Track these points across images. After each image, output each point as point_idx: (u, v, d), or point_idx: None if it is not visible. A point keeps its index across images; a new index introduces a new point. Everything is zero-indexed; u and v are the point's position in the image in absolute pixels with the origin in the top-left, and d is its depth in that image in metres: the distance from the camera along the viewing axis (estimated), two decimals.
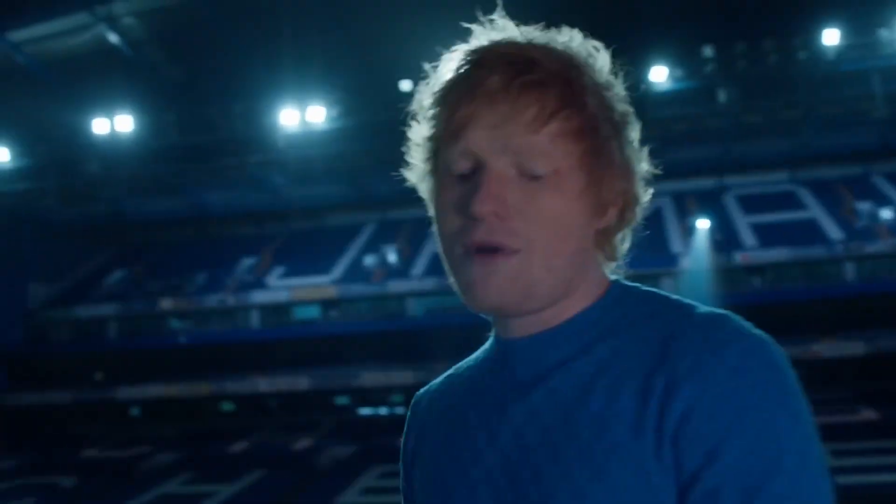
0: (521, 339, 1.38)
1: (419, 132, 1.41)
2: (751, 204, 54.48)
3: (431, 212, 1.55)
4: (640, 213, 1.54)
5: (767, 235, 49.84)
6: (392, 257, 55.53)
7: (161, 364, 52.35)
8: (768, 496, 1.14)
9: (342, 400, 53.29)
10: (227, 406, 54.07)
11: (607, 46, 1.37)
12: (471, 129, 1.23)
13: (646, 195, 1.55)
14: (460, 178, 1.30)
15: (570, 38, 1.27)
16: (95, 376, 54.68)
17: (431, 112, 1.35)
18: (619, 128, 1.36)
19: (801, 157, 55.12)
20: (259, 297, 53.08)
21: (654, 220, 53.47)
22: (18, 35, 46.62)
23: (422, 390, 1.66)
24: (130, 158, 51.04)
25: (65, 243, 57.58)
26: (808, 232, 49.86)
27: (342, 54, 46.80)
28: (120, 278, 59.01)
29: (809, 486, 1.23)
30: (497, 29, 1.27)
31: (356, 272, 54.34)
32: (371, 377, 50.13)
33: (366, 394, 52.19)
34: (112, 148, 50.50)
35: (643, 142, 1.56)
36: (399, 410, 52.69)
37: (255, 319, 53.12)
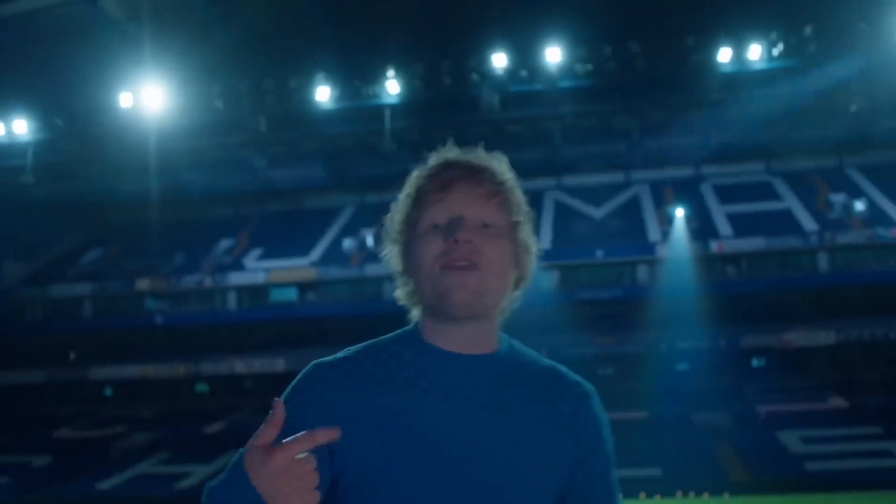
0: (452, 353, 1.87)
1: (403, 203, 1.95)
2: (727, 194, 55.04)
3: (399, 263, 1.95)
4: (525, 285, 1.99)
5: (743, 225, 50.35)
6: (370, 241, 55.63)
7: (137, 344, 52.27)
8: (613, 476, 1.91)
9: None
10: (202, 387, 54.02)
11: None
12: (450, 195, 1.84)
13: (532, 273, 1.98)
14: (435, 227, 1.83)
15: (499, 158, 1.97)
16: (70, 356, 54.60)
17: (419, 187, 1.92)
18: (525, 217, 1.93)
19: (778, 148, 55.75)
20: (236, 278, 53.00)
21: (633, 208, 54.19)
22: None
23: (325, 361, 1.95)
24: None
25: (41, 222, 57.13)
26: (784, 222, 50.44)
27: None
28: (96, 258, 58.76)
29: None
30: (451, 150, 1.97)
31: (334, 255, 54.44)
32: None
33: None
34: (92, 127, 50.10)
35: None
36: None
37: (232, 301, 53.04)
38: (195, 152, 52.36)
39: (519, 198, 1.92)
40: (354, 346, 1.98)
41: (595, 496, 1.83)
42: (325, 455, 1.69)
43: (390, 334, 2.04)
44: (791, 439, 39.25)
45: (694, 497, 32.46)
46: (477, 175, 1.87)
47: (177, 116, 47.29)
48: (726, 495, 32.87)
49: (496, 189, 1.87)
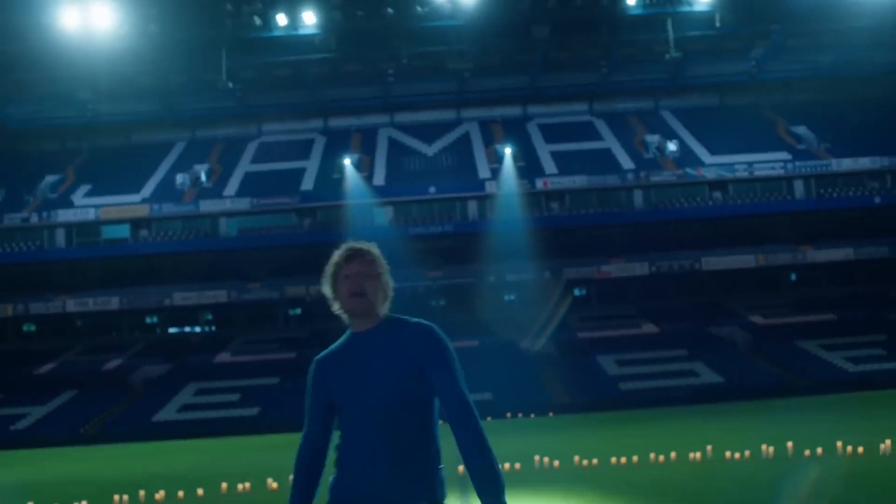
0: (362, 332, 3.43)
1: (329, 272, 3.49)
2: (552, 133, 57.62)
3: (331, 294, 3.50)
4: (389, 299, 3.52)
5: (566, 163, 52.97)
6: (203, 177, 55.13)
7: None
8: (460, 389, 3.27)
9: (152, 319, 53.12)
10: (30, 327, 52.56)
11: None
12: (351, 264, 3.40)
13: (391, 294, 3.52)
14: (346, 277, 3.40)
15: (374, 246, 3.52)
16: None
17: (337, 262, 3.46)
18: (385, 269, 3.50)
19: (600, 90, 58.79)
20: (65, 215, 51.38)
21: (463, 145, 55.91)
22: None
23: (321, 355, 3.55)
24: None
25: None
26: (604, 161, 53.39)
27: None
28: None
29: (464, 386, 3.30)
30: (358, 244, 3.49)
31: (167, 191, 53.51)
32: (183, 297, 50.23)
33: (177, 312, 52.25)
34: None
35: None
36: (210, 329, 53.31)
37: (61, 239, 51.52)
38: (19, 84, 50.14)
39: (382, 262, 3.52)
40: (332, 346, 3.57)
41: (440, 384, 3.30)
42: (327, 399, 3.47)
43: (343, 336, 3.58)
44: (608, 363, 42.57)
45: (522, 417, 34.96)
46: (363, 254, 3.47)
47: None
48: (550, 414, 35.62)
49: (371, 259, 3.47)
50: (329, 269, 3.48)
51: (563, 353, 44.88)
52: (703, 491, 9.94)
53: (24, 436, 37.87)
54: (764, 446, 13.62)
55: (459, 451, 3.16)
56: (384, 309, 3.45)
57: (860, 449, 12.75)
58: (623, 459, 13.74)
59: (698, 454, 13.55)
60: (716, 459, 13.24)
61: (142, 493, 12.51)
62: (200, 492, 12.61)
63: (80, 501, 12.34)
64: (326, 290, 3.48)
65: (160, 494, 12.34)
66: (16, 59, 47.62)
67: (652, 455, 14.08)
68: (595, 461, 13.89)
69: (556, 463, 14.04)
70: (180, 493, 12.48)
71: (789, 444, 13.66)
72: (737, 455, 13.38)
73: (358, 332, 3.43)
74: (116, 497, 12.51)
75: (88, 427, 39.31)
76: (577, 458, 14.40)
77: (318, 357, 3.52)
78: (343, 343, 3.46)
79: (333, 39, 46.99)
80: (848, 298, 48.32)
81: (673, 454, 13.99)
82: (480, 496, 3.12)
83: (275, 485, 13.22)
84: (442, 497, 3.28)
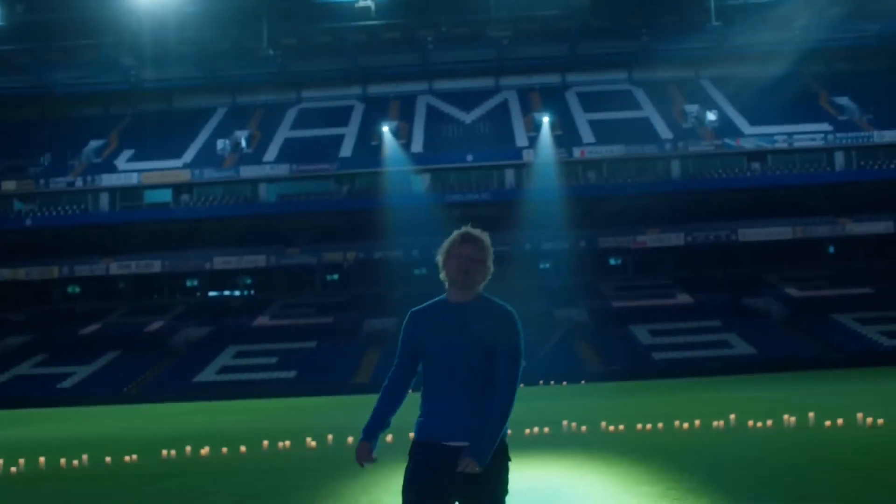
0: (458, 303, 4.05)
1: (444, 247, 4.11)
2: (591, 102, 57.52)
3: (441, 265, 4.12)
4: (488, 279, 4.13)
5: (604, 132, 52.91)
6: (244, 143, 55.84)
7: (6, 247, 51.44)
8: (509, 372, 4.00)
9: (193, 283, 54.17)
10: (74, 289, 53.82)
11: None
12: (463, 247, 4.04)
13: (489, 277, 4.12)
14: (457, 255, 4.03)
15: (486, 235, 4.13)
16: None
17: (453, 241, 4.08)
18: (490, 260, 4.09)
19: (640, 59, 58.49)
20: (108, 180, 52.40)
21: (501, 113, 56.00)
22: None
23: (417, 308, 4.17)
24: None
25: None
26: (642, 130, 53.27)
27: None
28: None
29: (517, 378, 4.02)
30: (474, 231, 4.11)
31: (208, 157, 54.35)
32: (223, 261, 51.15)
33: (217, 276, 53.23)
34: None
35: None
36: (249, 293, 54.27)
37: (104, 202, 52.61)
38: (65, 50, 51.04)
39: (489, 250, 4.12)
40: (427, 302, 4.20)
41: (499, 362, 3.99)
42: (415, 347, 4.09)
43: (437, 298, 4.21)
44: (642, 332, 42.85)
45: (554, 385, 35.43)
46: (475, 240, 4.07)
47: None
48: (583, 382, 36.04)
49: (481, 247, 4.07)
50: (445, 244, 4.15)
51: (597, 323, 45.23)
52: (719, 456, 10.31)
53: (70, 394, 39.06)
54: (786, 416, 13.94)
55: (491, 407, 3.99)
56: (480, 288, 4.13)
57: (880, 420, 13.02)
58: (648, 426, 14.09)
59: (721, 422, 13.89)
60: (738, 427, 13.54)
61: (188, 448, 13.16)
62: (243, 449, 13.20)
63: (130, 455, 13.03)
64: (439, 259, 4.16)
65: (205, 450, 12.96)
66: (61, 27, 48.44)
67: (676, 422, 14.42)
68: (622, 427, 14.30)
69: (584, 428, 14.48)
70: (224, 450, 13.09)
71: (811, 414, 13.96)
72: (759, 424, 13.67)
73: (453, 302, 4.11)
74: (164, 452, 13.18)
75: (131, 387, 40.45)
76: (603, 423, 14.83)
77: (414, 309, 4.23)
78: (438, 306, 4.15)
79: (373, 7, 47.06)
80: (886, 272, 48.04)
81: (697, 422, 14.34)
82: (481, 434, 3.88)
83: (313, 444, 13.76)
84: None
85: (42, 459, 12.30)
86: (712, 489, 7.85)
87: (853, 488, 7.68)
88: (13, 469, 11.92)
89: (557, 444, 12.54)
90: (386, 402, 4.17)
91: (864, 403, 16.14)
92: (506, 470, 3.94)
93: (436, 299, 4.18)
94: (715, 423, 13.99)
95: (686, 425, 14.15)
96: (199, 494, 9.18)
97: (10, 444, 16.94)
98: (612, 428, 14.35)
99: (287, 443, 14.02)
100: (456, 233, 4.15)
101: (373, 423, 4.11)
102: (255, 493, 9.08)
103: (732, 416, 14.32)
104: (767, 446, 11.18)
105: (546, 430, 14.21)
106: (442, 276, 4.13)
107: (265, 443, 14.05)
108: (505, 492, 3.93)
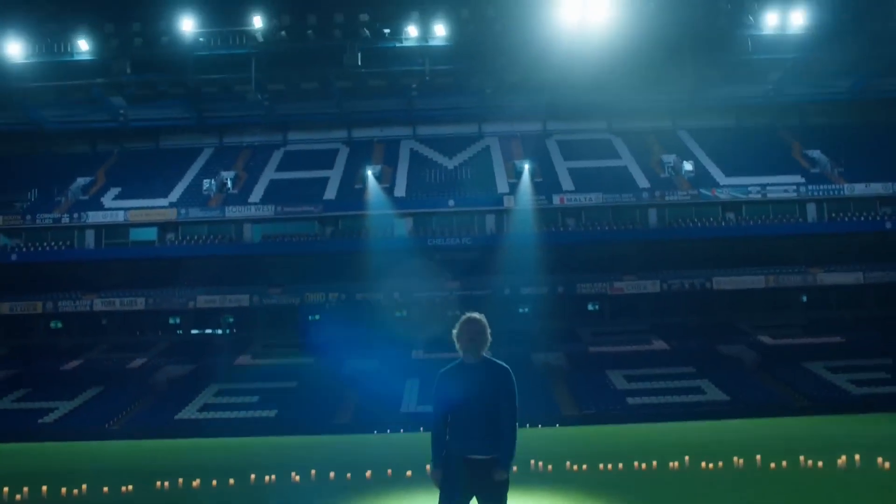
0: (469, 363, 5.99)
1: (457, 327, 6.10)
2: (571, 150, 58.86)
3: (455, 337, 6.08)
4: (489, 345, 6.04)
5: (583, 180, 54.22)
6: (230, 183, 56.73)
7: None
8: (511, 409, 5.94)
9: (175, 320, 54.67)
10: (57, 324, 54.13)
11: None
12: (469, 325, 6.04)
13: (489, 343, 6.04)
14: (466, 331, 6.03)
15: (483, 317, 6.08)
16: None
17: (462, 322, 6.09)
18: (488, 333, 6.09)
19: (619, 109, 59.96)
20: (94, 217, 53.09)
21: (484, 159, 57.18)
22: None
23: (444, 370, 6.08)
24: None
25: None
26: (620, 179, 54.64)
27: None
28: None
29: (515, 411, 5.94)
30: (475, 315, 6.11)
31: (194, 196, 55.19)
32: (206, 299, 51.83)
33: (200, 314, 53.79)
34: None
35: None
36: (232, 332, 54.83)
37: (90, 240, 53.27)
38: (54, 90, 52.03)
39: (487, 328, 5.99)
40: (449, 364, 6.04)
41: (504, 404, 5.83)
42: (448, 395, 5.96)
43: (457, 361, 6.03)
44: (617, 377, 43.73)
45: (529, 427, 36.18)
46: (477, 321, 5.93)
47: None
48: (557, 426, 36.84)
49: (482, 326, 5.93)
50: (457, 325, 6.03)
51: (574, 367, 46.09)
52: (668, 493, 11.22)
53: (52, 429, 39.36)
54: (735, 458, 14.97)
55: (502, 434, 5.85)
56: (483, 352, 5.95)
57: (819, 463, 14.03)
58: (609, 466, 15.11)
59: (677, 463, 14.90)
60: (691, 468, 14.55)
61: (180, 480, 13.95)
62: (231, 481, 14.01)
63: (126, 486, 13.78)
64: (454, 333, 6.04)
65: (196, 482, 13.76)
66: (53, 67, 49.45)
67: (636, 463, 15.41)
68: (585, 466, 15.25)
69: (550, 467, 15.42)
70: (214, 482, 13.89)
71: (758, 457, 15.05)
72: (710, 465, 14.67)
73: (466, 363, 5.96)
74: (158, 483, 13.97)
75: (114, 423, 40.83)
76: (568, 463, 15.81)
77: (442, 371, 6.07)
78: (457, 367, 5.99)
79: (358, 54, 48.39)
80: (856, 321, 49.32)
81: (654, 462, 15.33)
82: (503, 452, 5.81)
83: (297, 477, 14.56)
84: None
85: (44, 488, 13.05)
86: None
87: None
88: (17, 496, 12.65)
89: (526, 481, 13.41)
90: (441, 438, 5.93)
91: (808, 448, 17.16)
92: (509, 476, 5.92)
93: (455, 362, 6.04)
94: (671, 464, 14.94)
95: (644, 465, 15.09)
96: None
97: (9, 474, 17.59)
98: (576, 467, 15.26)
99: (273, 476, 14.82)
100: (463, 316, 6.03)
101: (438, 456, 5.90)
102: None
103: (687, 458, 15.32)
104: (714, 484, 12.11)
105: (514, 468, 15.09)
106: (457, 346, 5.99)
107: (252, 476, 14.86)
108: (507, 489, 5.93)
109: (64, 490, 12.81)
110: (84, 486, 13.21)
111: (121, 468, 18.67)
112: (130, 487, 13.67)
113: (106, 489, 13.49)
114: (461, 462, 5.74)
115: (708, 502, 10.35)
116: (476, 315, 5.91)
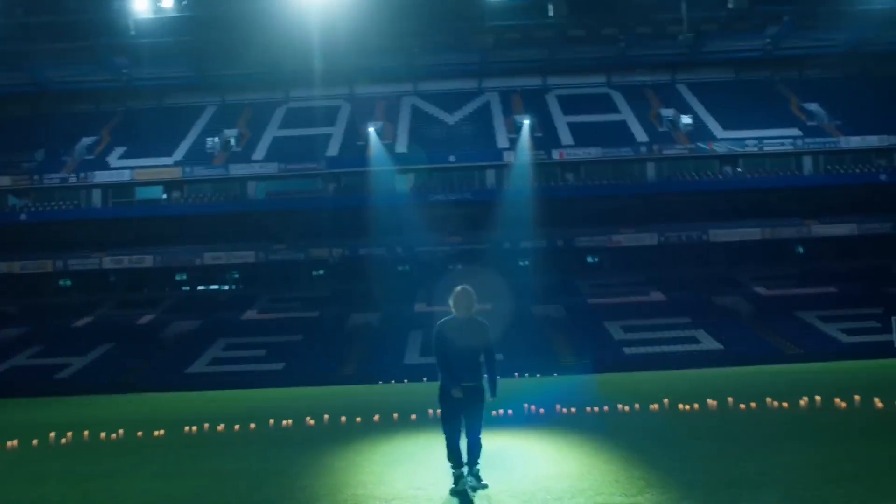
0: (461, 318, 8.13)
1: (452, 295, 8.22)
2: (570, 105, 59.50)
3: (451, 304, 8.25)
4: (477, 309, 8.31)
5: (583, 135, 54.94)
6: (233, 141, 57.43)
7: (0, 241, 52.79)
8: (492, 350, 8.27)
9: (182, 277, 55.68)
10: (66, 282, 55.15)
11: None
12: (461, 294, 8.15)
13: (477, 307, 8.29)
14: (459, 298, 8.20)
15: (471, 288, 8.27)
16: None
17: (455, 292, 8.22)
18: (475, 299, 8.27)
19: (618, 63, 60.55)
20: (101, 176, 53.94)
21: (484, 115, 57.76)
22: None
23: (443, 321, 8.23)
24: None
25: None
26: (619, 133, 55.35)
27: None
28: None
29: (493, 353, 8.23)
30: (465, 287, 8.29)
31: (198, 155, 55.92)
32: (212, 256, 52.86)
33: (207, 271, 54.84)
34: None
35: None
36: (238, 288, 55.92)
37: (97, 198, 54.19)
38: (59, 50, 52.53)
39: (474, 296, 8.13)
40: (446, 317, 8.19)
41: (485, 348, 8.13)
42: (446, 342, 8.08)
43: (451, 316, 8.17)
44: (614, 328, 44.88)
45: (528, 377, 37.36)
46: (468, 291, 8.08)
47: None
48: (555, 375, 38.00)
49: (470, 295, 8.05)
50: (452, 294, 7.97)
51: (572, 319, 47.21)
52: (648, 432, 12.33)
53: (69, 384, 40.53)
54: (709, 400, 16.24)
55: (486, 372, 7.94)
56: (472, 312, 7.93)
57: (785, 404, 15.29)
58: (596, 409, 16.44)
59: (656, 405, 16.31)
60: (670, 410, 15.75)
61: (206, 425, 15.12)
62: (252, 426, 15.17)
63: (158, 430, 14.98)
64: (450, 302, 7.98)
65: (220, 427, 14.91)
66: (56, 27, 49.91)
67: (619, 405, 16.70)
68: (573, 409, 16.51)
69: (542, 410, 16.64)
70: (236, 427, 15.03)
71: (730, 399, 16.42)
72: (687, 407, 15.92)
73: (458, 318, 7.93)
74: (186, 428, 15.15)
75: (127, 377, 41.99)
76: (558, 406, 17.12)
77: (440, 321, 8.03)
78: (451, 320, 7.95)
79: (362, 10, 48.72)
80: (849, 272, 50.36)
81: (637, 405, 16.55)
82: (490, 382, 7.87)
83: (311, 422, 15.78)
84: (483, 381, 7.97)
85: (86, 433, 14.20)
86: (629, 452, 9.84)
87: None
88: (63, 440, 13.79)
89: (519, 423, 14.55)
90: (449, 370, 7.81)
91: (780, 391, 18.49)
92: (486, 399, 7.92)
93: (450, 317, 8.01)
94: (651, 406, 16.23)
95: (627, 408, 16.33)
96: (230, 458, 11.09)
97: (44, 423, 18.75)
98: (565, 410, 16.50)
99: (290, 421, 15.99)
100: (457, 288, 7.99)
101: (449, 379, 7.78)
102: (273, 456, 11.01)
103: (666, 401, 16.63)
104: (688, 424, 13.26)
105: (510, 412, 16.20)
106: (451, 307, 7.96)
107: (271, 421, 16.03)
108: (484, 408, 7.91)
109: (103, 434, 13.97)
110: (121, 431, 14.37)
111: (146, 417, 19.80)
112: (162, 432, 14.83)
113: (140, 433, 14.64)
114: (457, 386, 7.74)
115: (685, 440, 11.42)
116: (466, 287, 7.96)
